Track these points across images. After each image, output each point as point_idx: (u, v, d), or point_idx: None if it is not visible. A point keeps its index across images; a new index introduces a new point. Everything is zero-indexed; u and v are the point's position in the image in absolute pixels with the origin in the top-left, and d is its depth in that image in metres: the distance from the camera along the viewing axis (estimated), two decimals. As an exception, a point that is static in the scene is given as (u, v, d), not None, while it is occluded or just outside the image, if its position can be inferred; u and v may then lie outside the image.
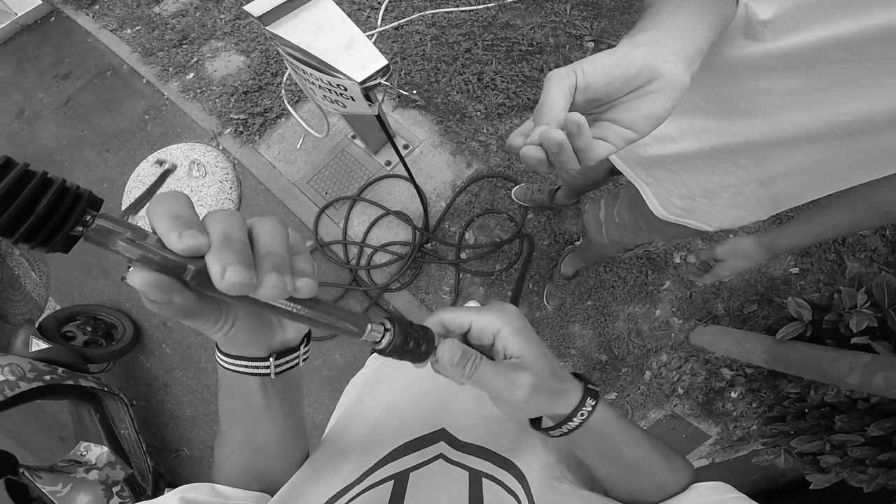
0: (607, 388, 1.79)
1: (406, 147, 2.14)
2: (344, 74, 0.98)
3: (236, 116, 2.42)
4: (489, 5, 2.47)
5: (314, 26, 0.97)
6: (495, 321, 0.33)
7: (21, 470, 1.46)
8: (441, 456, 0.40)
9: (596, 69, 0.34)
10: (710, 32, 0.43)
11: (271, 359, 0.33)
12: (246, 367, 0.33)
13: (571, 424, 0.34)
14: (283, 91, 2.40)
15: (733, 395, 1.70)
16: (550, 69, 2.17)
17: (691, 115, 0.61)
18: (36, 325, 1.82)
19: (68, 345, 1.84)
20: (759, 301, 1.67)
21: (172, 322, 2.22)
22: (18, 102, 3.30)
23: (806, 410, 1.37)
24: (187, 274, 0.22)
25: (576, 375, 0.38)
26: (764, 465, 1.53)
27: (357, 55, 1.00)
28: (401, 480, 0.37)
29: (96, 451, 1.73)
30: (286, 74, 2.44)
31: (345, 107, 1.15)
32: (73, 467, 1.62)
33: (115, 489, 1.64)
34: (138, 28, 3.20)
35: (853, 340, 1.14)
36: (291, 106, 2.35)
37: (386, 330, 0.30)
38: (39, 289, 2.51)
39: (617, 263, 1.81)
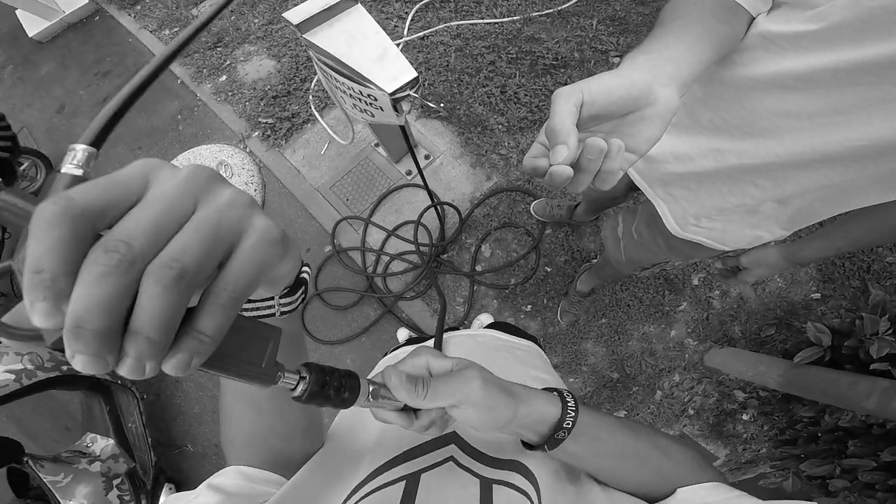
0: (616, 406, 1.74)
1: (427, 157, 2.15)
2: (375, 85, 0.99)
3: (265, 120, 2.46)
4: (514, 18, 2.47)
5: (348, 36, 0.98)
6: (454, 397, 0.33)
7: (25, 459, 1.48)
8: (451, 459, 0.41)
9: (602, 89, 0.35)
10: (712, 56, 0.44)
11: (276, 298, 0.30)
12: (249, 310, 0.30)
13: (563, 434, 0.35)
14: (310, 97, 2.44)
15: (745, 417, 1.65)
16: (577, 82, 2.17)
17: (709, 135, 0.61)
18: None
19: (87, 336, 1.87)
20: (778, 325, 1.64)
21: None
22: (60, 98, 3.45)
23: (819, 434, 1.34)
24: (47, 342, 0.19)
25: (546, 390, 0.39)
26: (771, 488, 1.49)
27: (388, 66, 1.01)
28: (412, 482, 0.37)
29: (102, 443, 1.74)
30: (314, 80, 2.48)
31: (373, 116, 1.16)
32: (77, 458, 1.64)
33: (115, 482, 1.64)
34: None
35: (872, 366, 1.13)
36: (318, 112, 2.38)
37: (301, 378, 0.28)
38: None
39: (634, 283, 1.78)
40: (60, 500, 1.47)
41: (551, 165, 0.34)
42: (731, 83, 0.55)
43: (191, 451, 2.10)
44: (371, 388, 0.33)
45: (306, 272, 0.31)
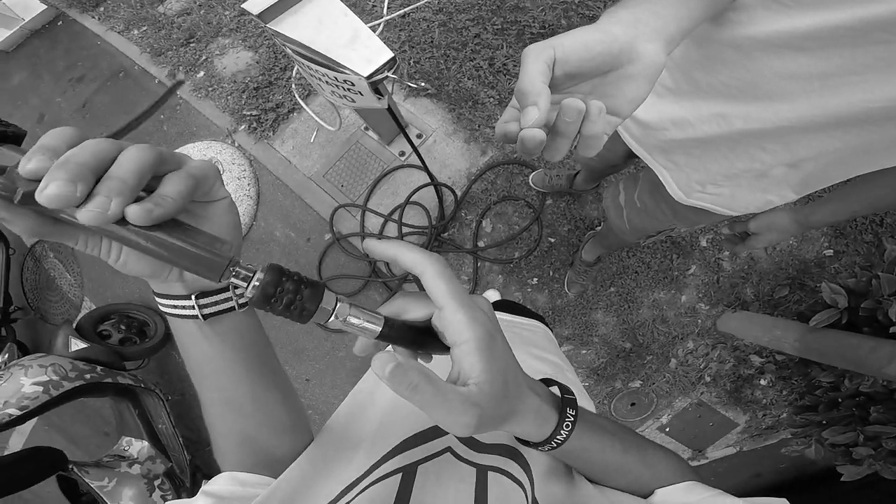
0: (631, 377, 1.75)
1: (419, 136, 2.11)
2: (350, 70, 0.96)
3: (249, 113, 2.42)
4: None
5: (316, 21, 0.95)
6: (460, 330, 0.27)
7: (70, 466, 1.55)
8: (449, 449, 0.40)
9: (577, 44, 0.32)
10: (703, 12, 0.40)
11: (192, 297, 0.31)
12: (173, 307, 0.31)
13: (554, 442, 0.33)
14: (293, 85, 2.38)
15: (762, 382, 1.64)
16: None
17: (711, 99, 0.57)
18: (74, 326, 1.90)
19: (105, 343, 1.93)
20: (791, 285, 1.59)
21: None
22: (38, 107, 3.39)
23: (839, 400, 1.31)
24: (16, 196, 0.21)
25: (545, 381, 0.36)
26: (793, 456, 1.49)
27: (362, 49, 0.98)
28: (409, 473, 0.36)
29: (137, 446, 1.81)
30: (295, 69, 2.41)
31: (354, 101, 1.14)
32: (118, 462, 1.71)
33: (156, 482, 1.71)
34: (145, 28, 3.21)
35: (892, 329, 1.08)
36: (303, 100, 2.33)
37: (254, 276, 0.25)
38: (75, 289, 2.63)
39: (640, 249, 1.75)
40: None
41: (521, 129, 0.31)
42: (730, 43, 0.50)
43: None
44: (339, 305, 0.27)
45: (247, 276, 0.25)
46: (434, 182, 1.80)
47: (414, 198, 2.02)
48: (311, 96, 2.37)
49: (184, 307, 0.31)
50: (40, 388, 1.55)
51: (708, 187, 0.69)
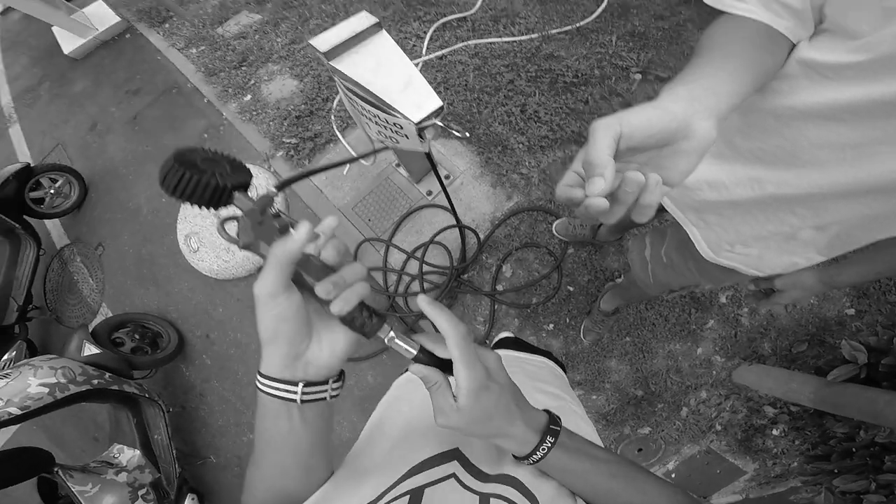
0: (641, 423, 1.69)
1: (447, 177, 2.15)
2: (401, 114, 0.99)
3: (288, 140, 2.51)
4: (532, 36, 2.47)
5: (374, 63, 0.99)
6: (462, 380, 0.37)
7: (56, 469, 1.52)
8: (454, 476, 0.43)
9: (641, 121, 0.35)
10: (752, 86, 0.44)
11: (300, 385, 0.36)
12: (277, 388, 0.36)
13: (530, 461, 0.41)
14: (332, 117, 2.48)
15: (775, 432, 1.60)
16: (595, 101, 2.21)
17: (747, 164, 0.60)
18: (90, 330, 1.91)
19: (117, 351, 1.93)
20: (810, 341, 1.60)
21: (214, 335, 2.29)
22: (93, 116, 3.59)
23: (853, 450, 1.32)
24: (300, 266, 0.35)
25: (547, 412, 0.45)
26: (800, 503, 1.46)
27: (414, 95, 1.01)
28: (416, 496, 0.39)
29: (128, 454, 1.78)
30: (336, 100, 2.53)
31: (398, 143, 1.16)
32: (105, 468, 1.67)
33: (140, 492, 1.67)
34: (203, 48, 3.42)
35: None
36: (340, 132, 2.42)
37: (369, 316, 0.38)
38: (95, 294, 2.66)
39: (659, 302, 1.75)
40: None
41: (587, 197, 0.34)
42: (771, 112, 0.54)
43: (213, 462, 2.12)
44: (392, 331, 0.40)
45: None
46: (459, 224, 1.81)
47: (437, 237, 2.03)
48: (348, 129, 2.45)
49: (287, 390, 0.36)
50: (46, 390, 1.54)
51: (737, 247, 0.71)
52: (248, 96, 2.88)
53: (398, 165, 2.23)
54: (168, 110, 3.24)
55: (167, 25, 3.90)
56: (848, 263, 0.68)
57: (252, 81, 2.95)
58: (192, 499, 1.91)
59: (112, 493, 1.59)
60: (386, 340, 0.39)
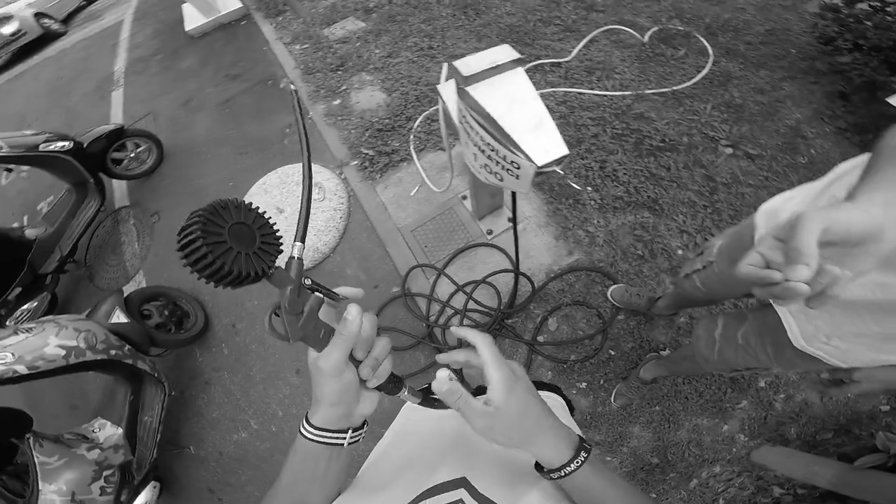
0: (648, 490, 1.63)
1: (510, 220, 2.03)
2: (525, 154, 0.86)
3: (365, 151, 2.48)
4: (626, 93, 2.38)
5: (508, 98, 0.88)
6: (494, 378, 0.43)
7: (28, 435, 1.40)
8: (461, 502, 0.44)
9: (845, 221, 0.38)
10: None
11: (349, 431, 0.45)
12: (329, 437, 0.43)
13: (562, 472, 0.43)
14: (412, 137, 2.44)
15: None
16: (678, 169, 2.10)
17: (880, 269, 0.61)
18: (124, 297, 1.85)
19: (144, 323, 1.84)
20: (837, 431, 1.60)
21: (241, 325, 2.19)
22: (190, 92, 3.77)
23: None
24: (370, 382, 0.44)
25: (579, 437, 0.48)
26: None
27: (542, 138, 0.90)
28: None
29: (109, 431, 1.65)
30: (418, 120, 2.49)
31: (502, 180, 1.05)
32: (79, 442, 1.55)
33: (105, 473, 1.54)
34: (307, 46, 3.55)
35: None
36: (416, 153, 2.36)
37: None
38: (135, 260, 2.65)
39: (698, 377, 1.72)
40: (40, 483, 1.36)
41: (787, 280, 0.37)
42: None
43: (191, 453, 1.97)
44: (405, 390, 0.49)
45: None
46: (516, 270, 1.72)
47: (490, 278, 1.92)
48: (424, 152, 2.39)
49: (338, 438, 0.44)
50: (62, 353, 1.45)
51: (833, 340, 0.73)
52: (338, 101, 2.91)
53: (464, 198, 2.15)
54: (259, 100, 3.35)
55: (280, 18, 4.12)
56: None
57: (344, 87, 3.00)
58: (154, 487, 1.76)
59: (75, 469, 1.45)
60: (402, 397, 0.49)
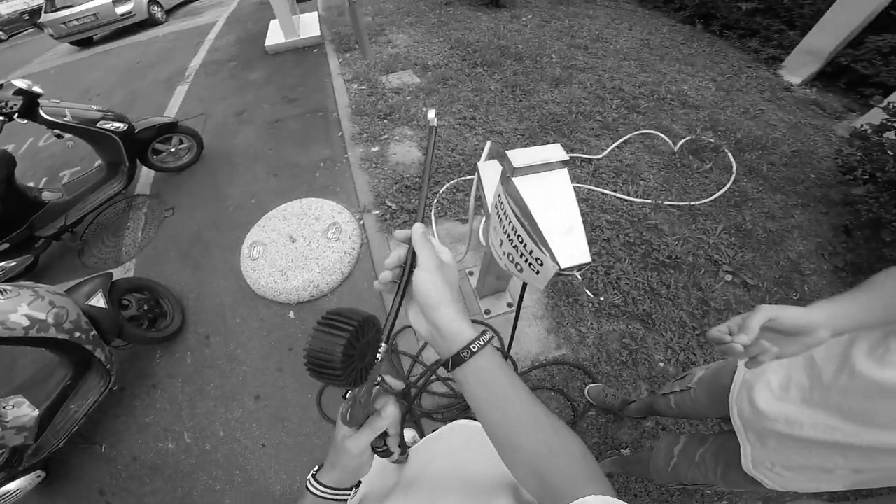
0: None
1: (509, 305, 2.04)
2: (552, 254, 0.87)
3: (389, 203, 2.53)
4: (646, 201, 2.44)
5: (548, 196, 0.92)
6: (422, 259, 0.49)
7: None
8: None
9: (792, 317, 0.59)
10: (878, 320, 0.62)
11: (353, 489, 0.54)
12: (336, 495, 0.51)
13: (464, 354, 0.45)
14: (435, 201, 2.50)
15: None
16: (678, 288, 2.12)
17: (831, 414, 0.70)
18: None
19: (120, 313, 1.77)
20: None
21: (215, 339, 2.09)
22: (247, 103, 3.97)
23: None
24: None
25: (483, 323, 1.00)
26: None
27: (570, 242, 0.92)
28: None
29: (22, 412, 1.52)
30: (444, 187, 2.56)
31: (521, 271, 1.05)
32: None
33: None
34: (363, 87, 3.75)
35: None
36: (435, 219, 2.41)
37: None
38: (132, 248, 2.62)
39: (650, 480, 1.61)
40: None
41: (732, 342, 0.60)
42: (877, 382, 0.63)
43: (100, 451, 1.78)
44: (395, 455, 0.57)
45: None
46: (505, 352, 1.71)
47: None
48: (442, 219, 2.43)
49: (343, 495, 0.52)
50: (25, 324, 1.37)
51: (777, 468, 0.81)
52: (376, 148, 3.02)
53: (470, 274, 2.15)
54: (306, 128, 3.50)
55: (348, 55, 4.38)
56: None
57: (386, 135, 3.12)
58: (38, 475, 1.59)
59: None
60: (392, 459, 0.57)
